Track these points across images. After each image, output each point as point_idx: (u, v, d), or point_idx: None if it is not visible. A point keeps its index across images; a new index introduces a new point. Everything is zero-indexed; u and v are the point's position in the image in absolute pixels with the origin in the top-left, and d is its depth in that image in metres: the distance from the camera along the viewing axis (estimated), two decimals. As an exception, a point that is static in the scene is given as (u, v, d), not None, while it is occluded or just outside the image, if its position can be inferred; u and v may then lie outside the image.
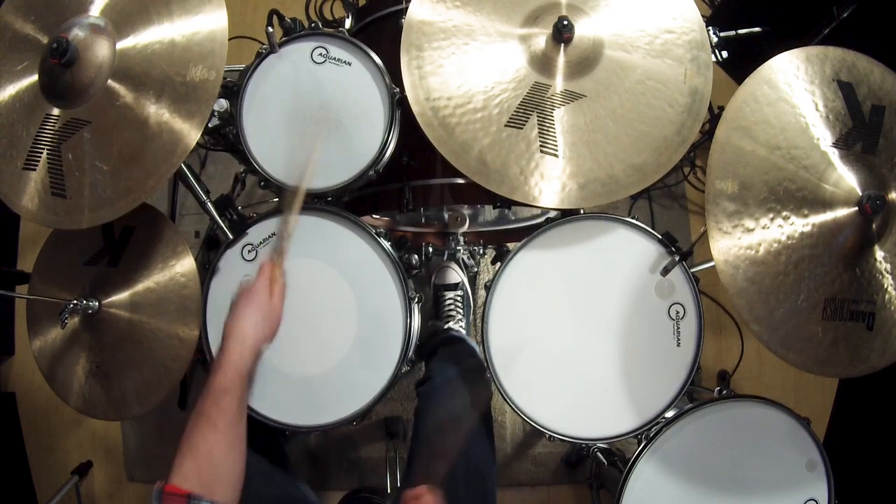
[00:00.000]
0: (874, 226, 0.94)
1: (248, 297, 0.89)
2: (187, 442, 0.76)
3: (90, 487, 1.90)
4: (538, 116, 0.99)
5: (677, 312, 1.07)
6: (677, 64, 1.00)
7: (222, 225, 1.10)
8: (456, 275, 1.69)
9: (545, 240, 1.09)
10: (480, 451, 1.09)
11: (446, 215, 1.48)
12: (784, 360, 0.94)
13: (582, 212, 1.10)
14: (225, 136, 1.21)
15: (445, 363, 1.21)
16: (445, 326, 1.62)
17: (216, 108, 1.10)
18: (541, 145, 0.98)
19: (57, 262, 1.17)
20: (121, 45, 0.96)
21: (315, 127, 1.11)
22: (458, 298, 1.67)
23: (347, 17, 1.34)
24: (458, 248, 1.54)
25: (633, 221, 1.08)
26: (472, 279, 1.80)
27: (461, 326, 1.64)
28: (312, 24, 1.16)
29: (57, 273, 1.16)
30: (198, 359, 1.11)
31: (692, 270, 1.08)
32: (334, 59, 1.12)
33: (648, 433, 1.06)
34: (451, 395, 1.12)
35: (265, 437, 1.13)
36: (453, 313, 1.65)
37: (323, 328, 1.10)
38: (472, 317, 1.73)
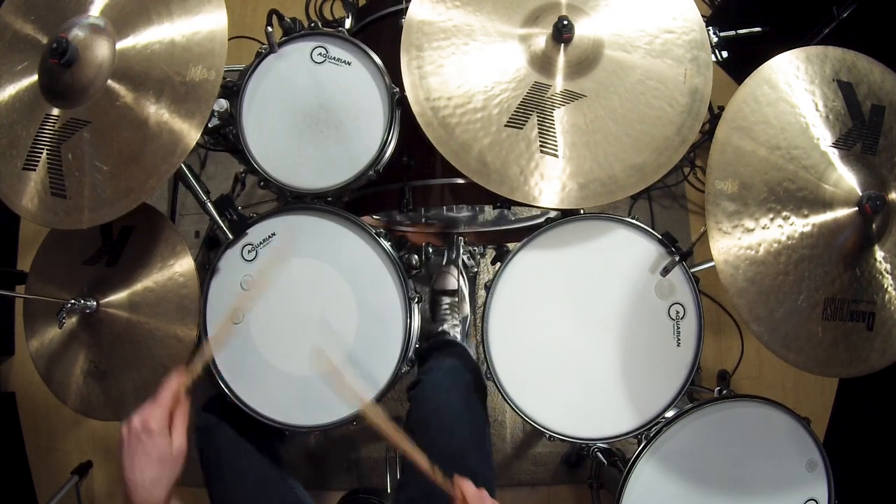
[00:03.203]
0: (874, 226, 0.94)
1: (144, 444, 0.79)
2: None
3: (90, 487, 1.90)
4: (538, 116, 0.99)
5: (677, 312, 1.07)
6: (677, 64, 1.00)
7: (222, 225, 1.10)
8: (454, 281, 1.69)
9: (545, 240, 1.09)
10: (476, 460, 1.07)
11: (446, 215, 1.48)
12: (784, 360, 0.94)
13: (582, 212, 1.10)
14: (225, 136, 1.20)
15: (437, 365, 1.20)
16: (440, 329, 1.62)
17: (216, 108, 1.10)
18: (541, 145, 0.98)
19: (55, 261, 1.17)
20: (121, 45, 0.96)
21: (307, 126, 1.11)
22: (455, 305, 1.67)
23: (347, 16, 1.34)
24: (459, 248, 1.54)
25: (633, 221, 1.08)
26: (473, 279, 1.80)
27: (456, 332, 1.64)
28: (312, 24, 1.16)
29: (55, 273, 1.16)
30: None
31: (692, 270, 1.08)
32: (334, 58, 1.12)
33: (648, 433, 1.06)
34: (444, 403, 1.09)
35: (260, 439, 1.13)
36: (447, 317, 1.65)
37: (323, 328, 1.10)
38: (469, 322, 1.73)
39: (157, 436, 0.80)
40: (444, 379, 1.14)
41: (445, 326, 1.63)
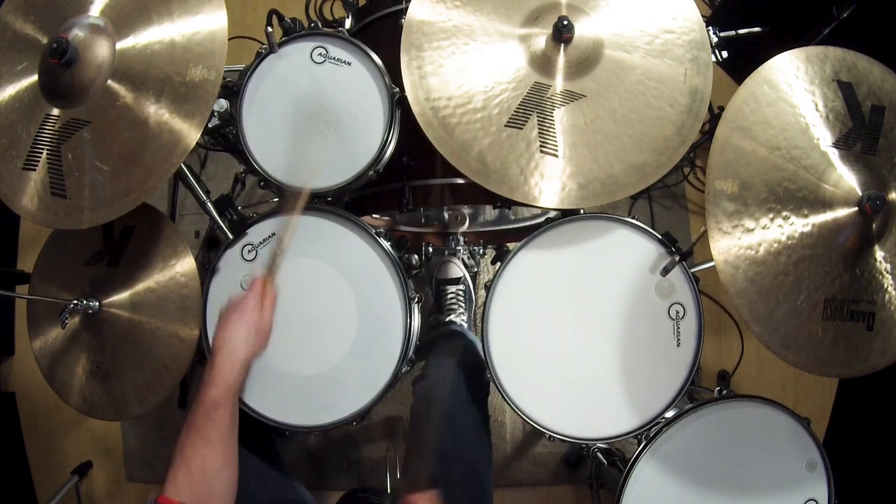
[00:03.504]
0: (874, 226, 0.94)
1: (239, 311, 0.90)
2: (180, 455, 0.78)
3: (90, 487, 1.90)
4: (538, 116, 0.99)
5: (677, 312, 1.07)
6: (677, 64, 1.00)
7: (222, 225, 1.10)
8: (458, 269, 1.70)
9: (545, 240, 1.09)
10: (477, 450, 1.09)
11: (446, 215, 1.48)
12: (784, 360, 0.94)
13: (582, 212, 1.10)
14: (225, 136, 1.21)
15: (442, 359, 1.21)
16: (447, 319, 1.62)
17: (216, 108, 1.10)
18: (541, 145, 0.98)
19: (57, 262, 1.17)
20: (121, 45, 0.96)
21: (307, 126, 1.11)
22: (460, 293, 1.67)
23: (347, 17, 1.34)
24: (458, 248, 1.54)
25: (633, 221, 1.08)
26: (473, 279, 1.80)
27: (463, 320, 1.64)
28: (312, 24, 1.16)
29: (57, 273, 1.16)
30: (198, 359, 1.10)
31: (692, 270, 1.08)
32: (334, 58, 1.12)
33: (648, 433, 1.06)
34: (447, 395, 1.12)
35: (260, 437, 1.13)
36: (454, 307, 1.65)
37: (323, 328, 1.10)
38: (472, 311, 1.73)
39: (252, 308, 0.91)
40: (449, 373, 1.15)
41: (452, 317, 1.63)
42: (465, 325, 1.63)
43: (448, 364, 1.18)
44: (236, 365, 0.86)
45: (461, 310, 1.65)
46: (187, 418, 0.81)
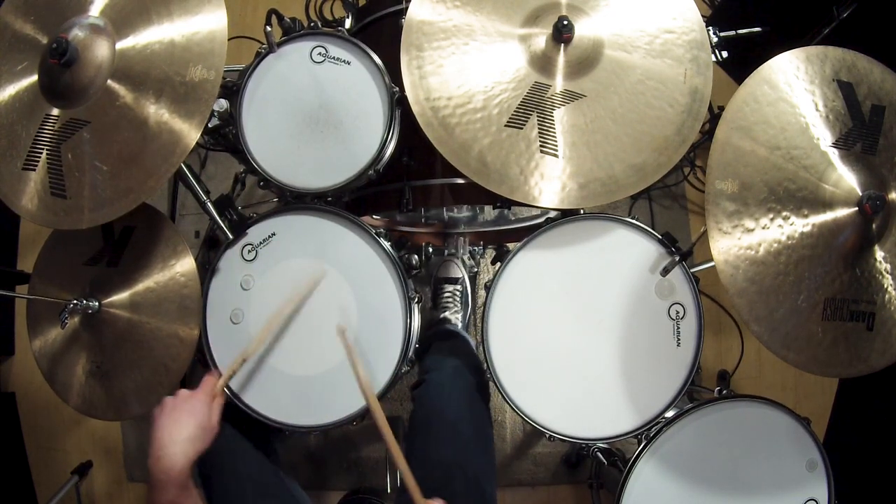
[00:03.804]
0: (874, 226, 0.94)
1: (188, 406, 0.89)
2: None
3: (90, 487, 1.90)
4: (538, 116, 0.99)
5: (677, 312, 1.07)
6: (677, 64, 1.00)
7: (222, 225, 1.10)
8: (458, 270, 1.70)
9: (545, 240, 1.09)
10: (479, 460, 1.07)
11: (446, 215, 1.48)
12: (784, 360, 0.94)
13: (582, 212, 1.10)
14: (225, 136, 1.20)
15: (441, 363, 1.19)
16: (441, 317, 1.62)
17: (216, 108, 1.10)
18: (541, 145, 0.98)
19: (57, 262, 1.17)
20: (120, 45, 0.96)
21: (307, 126, 1.11)
22: (457, 292, 1.67)
23: (347, 16, 1.34)
24: (459, 248, 1.54)
25: (633, 221, 1.08)
26: (472, 279, 1.80)
27: (458, 319, 1.64)
28: (312, 24, 1.16)
29: (57, 273, 1.16)
30: (197, 358, 1.10)
31: (692, 270, 1.08)
32: (334, 58, 1.12)
33: (648, 433, 1.06)
34: (447, 402, 1.10)
35: (259, 439, 1.13)
36: (449, 304, 1.65)
37: (323, 328, 1.10)
38: (470, 316, 1.73)
39: (202, 403, 0.90)
40: (448, 378, 1.14)
41: (447, 314, 1.63)
42: (461, 325, 1.63)
43: (447, 368, 1.17)
44: (185, 466, 0.85)
45: (456, 309, 1.65)
46: None
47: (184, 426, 0.87)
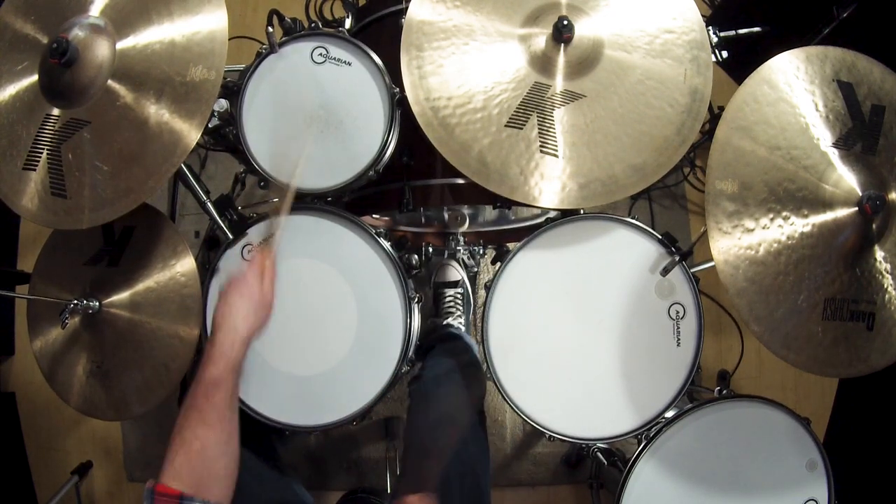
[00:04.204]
0: (874, 226, 0.94)
1: (239, 287, 0.87)
2: (179, 437, 0.74)
3: (90, 487, 1.90)
4: (538, 116, 0.99)
5: (677, 312, 1.07)
6: (677, 64, 1.00)
7: (222, 225, 1.10)
8: (456, 272, 1.70)
9: (545, 240, 1.09)
10: (474, 451, 1.08)
11: (446, 215, 1.48)
12: (784, 360, 0.94)
13: (582, 212, 1.10)
14: (225, 136, 1.20)
15: (439, 360, 1.21)
16: (444, 323, 1.62)
17: (216, 108, 1.10)
18: (541, 145, 0.98)
19: (57, 262, 1.17)
20: (121, 45, 0.96)
21: (307, 126, 1.11)
22: (458, 296, 1.67)
23: (347, 17, 1.34)
24: (458, 248, 1.54)
25: (633, 221, 1.08)
26: (472, 279, 1.80)
27: (460, 323, 1.64)
28: (312, 24, 1.16)
29: (57, 273, 1.16)
30: (198, 359, 1.10)
31: (692, 270, 1.08)
32: (334, 59, 1.12)
33: (648, 433, 1.06)
34: (443, 394, 1.11)
35: (258, 437, 1.13)
36: (452, 310, 1.65)
37: (323, 328, 1.10)
38: (471, 316, 1.73)
39: (253, 283, 0.88)
40: (442, 373, 1.15)
41: (450, 319, 1.63)
42: (463, 329, 1.63)
43: (444, 364, 1.18)
44: (237, 342, 0.82)
45: (458, 313, 1.65)
46: (187, 398, 0.78)
47: (236, 305, 0.85)
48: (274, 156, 1.08)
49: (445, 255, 1.68)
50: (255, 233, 1.12)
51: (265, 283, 0.90)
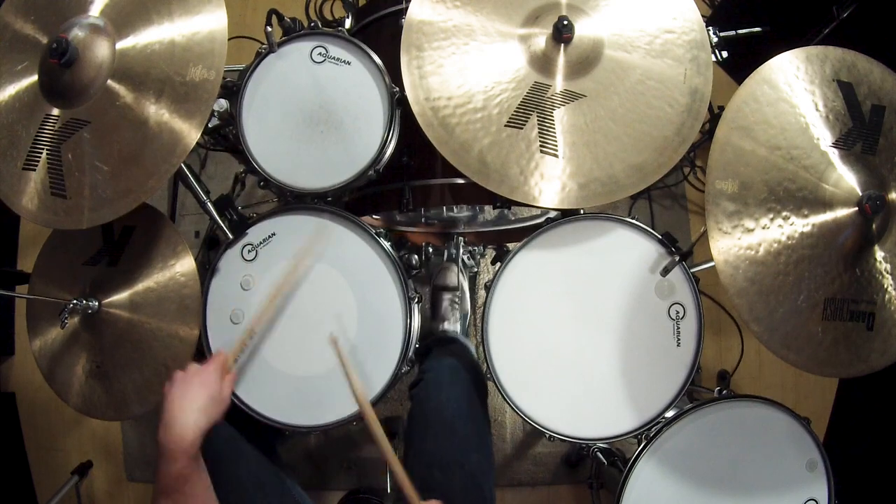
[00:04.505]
0: (874, 226, 0.94)
1: (199, 380, 0.89)
2: None
3: (90, 487, 1.90)
4: (538, 116, 0.99)
5: (677, 312, 1.07)
6: (677, 64, 1.00)
7: (222, 225, 1.10)
8: (455, 277, 1.70)
9: (545, 240, 1.09)
10: (476, 458, 1.07)
11: (446, 215, 1.48)
12: (784, 360, 0.94)
13: (582, 212, 1.10)
14: (225, 136, 1.21)
15: (439, 362, 1.20)
16: (441, 328, 1.62)
17: (216, 108, 1.10)
18: (541, 145, 0.98)
19: (57, 262, 1.17)
20: (121, 45, 0.96)
21: (307, 126, 1.11)
22: (456, 300, 1.67)
23: (347, 16, 1.34)
24: (458, 248, 1.54)
25: (633, 222, 1.08)
26: (472, 279, 1.80)
27: (457, 327, 1.64)
28: (312, 24, 1.16)
29: (57, 273, 1.16)
30: (197, 359, 1.10)
31: (692, 270, 1.08)
32: (334, 58, 1.12)
33: (648, 433, 1.06)
34: (445, 400, 1.10)
35: (259, 439, 1.13)
36: (448, 314, 1.65)
37: (323, 328, 1.10)
38: (469, 319, 1.73)
39: (213, 375, 0.89)
40: (445, 377, 1.14)
41: (446, 324, 1.63)
42: (460, 332, 1.63)
43: (445, 368, 1.17)
44: (196, 436, 0.83)
45: (456, 317, 1.65)
46: (155, 496, 0.80)
47: (195, 397, 0.86)
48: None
49: (445, 258, 1.68)
50: (255, 233, 1.12)
51: (225, 382, 0.93)
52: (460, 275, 1.71)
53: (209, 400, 0.87)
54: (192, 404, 0.84)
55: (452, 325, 1.64)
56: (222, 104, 1.11)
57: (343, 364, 1.00)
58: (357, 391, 0.97)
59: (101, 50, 0.96)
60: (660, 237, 1.07)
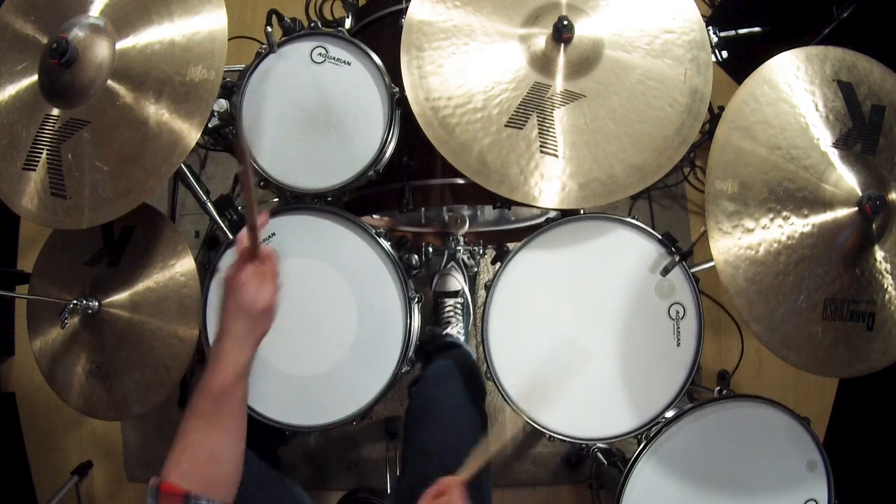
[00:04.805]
0: (874, 226, 0.94)
1: (243, 291, 0.81)
2: (184, 440, 0.74)
3: (90, 487, 1.90)
4: (538, 116, 0.99)
5: (677, 312, 1.07)
6: (677, 64, 1.00)
7: (222, 225, 1.10)
8: (456, 282, 1.70)
9: (545, 240, 1.09)
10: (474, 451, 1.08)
11: (446, 215, 1.48)
12: (784, 360, 0.94)
13: (582, 212, 1.10)
14: (225, 136, 1.20)
15: (440, 363, 1.21)
16: (444, 332, 1.62)
17: (216, 108, 1.10)
18: (541, 145, 0.98)
19: (57, 262, 1.17)
20: (120, 45, 0.96)
21: (307, 126, 1.11)
22: (458, 306, 1.67)
23: (347, 16, 1.34)
24: (458, 248, 1.54)
25: (633, 221, 1.08)
26: (472, 279, 1.80)
27: (459, 332, 1.64)
28: (312, 24, 1.16)
29: (57, 273, 1.16)
30: (198, 358, 1.11)
31: (692, 270, 1.08)
32: (334, 58, 1.12)
33: (648, 433, 1.06)
34: (443, 394, 1.11)
35: (258, 438, 1.13)
36: (451, 320, 1.65)
37: (323, 328, 1.10)
38: (470, 324, 1.73)
39: (255, 284, 0.80)
40: (443, 374, 1.16)
41: (448, 329, 1.63)
42: (462, 338, 1.63)
43: (444, 367, 1.18)
44: (245, 349, 0.80)
45: (457, 322, 1.65)
46: (192, 402, 0.77)
47: (244, 312, 0.79)
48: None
49: (445, 261, 1.68)
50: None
51: (268, 286, 0.84)
52: (463, 278, 1.71)
53: (256, 313, 0.80)
54: (243, 318, 0.79)
55: (454, 330, 1.64)
56: (222, 104, 1.11)
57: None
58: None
59: (101, 50, 0.96)
60: (660, 237, 1.07)
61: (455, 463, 1.03)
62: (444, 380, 1.14)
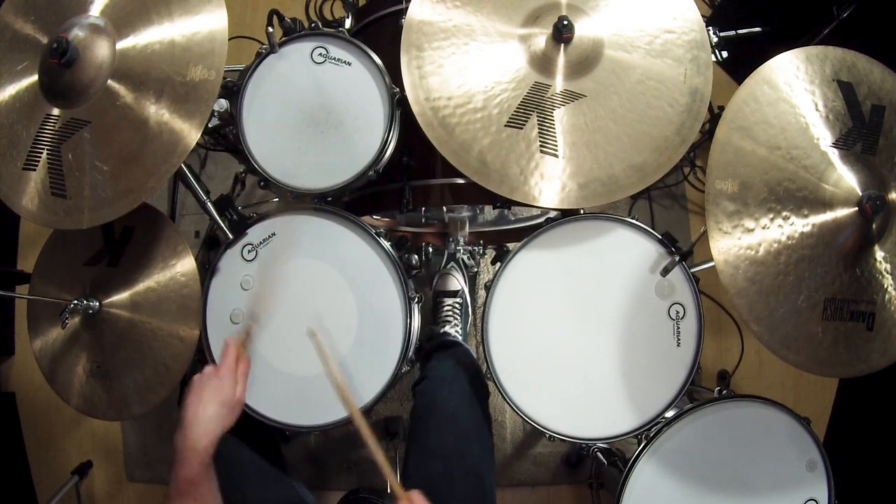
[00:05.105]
0: (874, 226, 0.94)
1: (214, 385, 0.91)
2: None
3: (90, 487, 1.90)
4: (538, 116, 0.99)
5: (677, 312, 1.07)
6: (677, 64, 1.00)
7: (222, 225, 1.10)
8: (456, 282, 1.70)
9: (545, 240, 1.09)
10: (478, 450, 1.08)
11: (446, 215, 1.48)
12: (784, 360, 0.94)
13: (582, 212, 1.10)
14: (225, 136, 1.21)
15: (442, 363, 1.21)
16: (442, 331, 1.62)
17: (216, 108, 1.10)
18: (541, 145, 0.98)
19: (57, 262, 1.17)
20: (121, 45, 0.96)
21: (307, 126, 1.11)
22: (457, 305, 1.68)
23: (347, 17, 1.34)
24: (458, 248, 1.54)
25: (633, 221, 1.08)
26: (472, 279, 1.80)
27: (457, 332, 1.64)
28: (312, 24, 1.16)
29: (57, 273, 1.16)
30: (198, 358, 1.10)
31: (692, 270, 1.08)
32: (334, 59, 1.12)
33: (648, 433, 1.06)
34: (447, 394, 1.12)
35: (262, 438, 1.13)
36: (451, 319, 1.66)
37: (323, 328, 1.10)
38: (469, 324, 1.73)
39: (226, 380, 0.91)
40: (448, 374, 1.16)
41: (447, 328, 1.63)
42: (461, 337, 1.64)
43: (448, 366, 1.18)
44: (210, 443, 0.86)
45: (457, 322, 1.66)
46: (166, 498, 0.83)
47: (208, 405, 0.88)
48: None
49: (445, 261, 1.68)
50: (255, 233, 1.12)
51: (239, 379, 0.94)
52: (462, 278, 1.72)
53: (222, 407, 0.89)
54: (205, 412, 0.87)
55: (453, 329, 1.64)
56: (222, 104, 1.11)
57: (323, 357, 1.00)
58: (341, 390, 0.97)
59: (102, 50, 0.96)
60: (660, 237, 1.07)
61: (457, 463, 1.03)
62: (448, 379, 1.14)
